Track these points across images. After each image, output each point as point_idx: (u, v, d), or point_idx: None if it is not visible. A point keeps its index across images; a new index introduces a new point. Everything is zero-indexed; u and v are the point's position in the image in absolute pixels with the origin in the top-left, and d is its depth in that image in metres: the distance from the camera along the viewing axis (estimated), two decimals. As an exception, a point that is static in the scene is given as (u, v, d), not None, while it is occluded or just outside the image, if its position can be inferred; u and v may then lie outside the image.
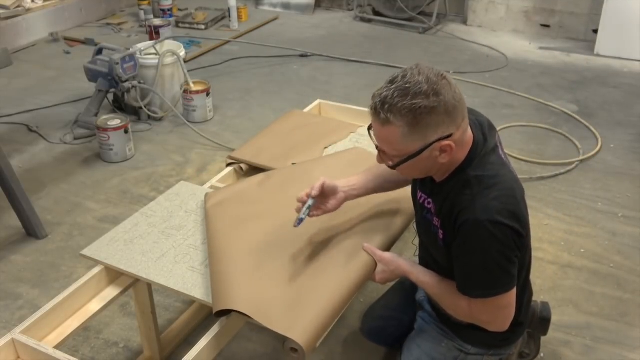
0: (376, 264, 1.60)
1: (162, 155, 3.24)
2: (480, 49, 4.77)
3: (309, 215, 1.57)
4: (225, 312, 1.47)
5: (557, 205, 2.79)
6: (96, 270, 1.68)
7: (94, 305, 1.64)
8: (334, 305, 1.47)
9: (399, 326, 1.81)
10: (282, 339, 1.39)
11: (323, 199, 1.60)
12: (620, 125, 3.52)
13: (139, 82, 3.46)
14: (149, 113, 3.56)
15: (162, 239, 1.76)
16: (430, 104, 1.25)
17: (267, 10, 5.74)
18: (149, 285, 1.75)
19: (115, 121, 3.16)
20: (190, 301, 2.13)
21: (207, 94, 3.57)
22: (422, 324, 1.70)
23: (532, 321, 1.86)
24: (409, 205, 1.71)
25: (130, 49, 3.55)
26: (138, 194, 2.91)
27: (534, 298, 1.77)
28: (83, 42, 4.88)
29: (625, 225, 2.66)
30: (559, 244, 2.54)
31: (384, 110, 1.28)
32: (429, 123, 1.27)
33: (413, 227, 1.70)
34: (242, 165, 2.18)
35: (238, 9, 5.24)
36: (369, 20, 5.43)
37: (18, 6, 4.79)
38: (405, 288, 1.87)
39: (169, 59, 3.57)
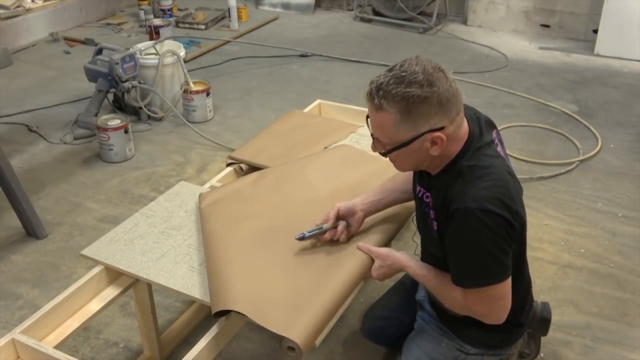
0: (373, 261, 1.60)
1: (162, 155, 3.24)
2: (480, 49, 4.77)
3: (320, 237, 1.62)
4: (224, 313, 1.47)
5: (557, 205, 2.79)
6: (96, 270, 1.68)
7: (94, 305, 1.64)
8: (331, 304, 1.47)
9: (399, 326, 1.81)
10: (280, 338, 1.39)
11: (343, 220, 1.65)
12: (620, 125, 3.52)
13: (139, 82, 3.46)
14: (149, 113, 3.56)
15: (162, 239, 1.76)
16: (424, 94, 1.28)
17: (267, 10, 5.74)
18: (149, 285, 1.75)
19: (115, 121, 3.16)
20: (190, 301, 2.13)
21: (207, 94, 3.57)
22: (422, 323, 1.70)
23: (532, 321, 1.85)
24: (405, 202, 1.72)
25: (130, 49, 3.55)
26: (138, 194, 2.91)
27: (534, 298, 1.77)
28: (83, 42, 4.88)
29: (625, 225, 2.66)
30: (559, 244, 2.54)
31: (378, 95, 1.31)
32: (421, 112, 1.30)
33: (413, 222, 1.70)
34: (242, 165, 2.18)
35: (238, 9, 5.24)
36: (369, 20, 5.43)
37: (18, 6, 4.79)
38: (406, 287, 1.87)
39: (169, 59, 3.57)
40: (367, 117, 1.40)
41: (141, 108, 3.51)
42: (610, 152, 3.24)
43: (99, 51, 3.58)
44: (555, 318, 1.90)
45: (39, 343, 1.47)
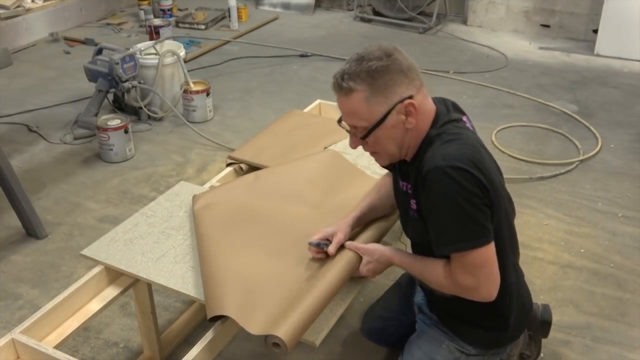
0: (360, 259, 1.60)
1: (162, 155, 3.24)
2: (480, 49, 4.78)
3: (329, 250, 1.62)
4: (219, 317, 1.47)
5: (557, 205, 2.79)
6: (96, 270, 1.68)
7: (94, 305, 1.65)
8: (316, 302, 1.46)
9: (398, 326, 1.81)
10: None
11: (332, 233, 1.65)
12: (620, 125, 3.52)
13: (139, 82, 3.46)
14: (149, 113, 3.56)
15: (162, 239, 1.77)
16: (384, 63, 1.35)
17: (267, 10, 5.74)
18: (149, 285, 1.75)
19: (115, 121, 3.16)
20: (190, 301, 2.13)
21: (207, 94, 3.57)
22: (422, 326, 1.70)
23: (532, 324, 1.85)
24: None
25: (130, 49, 3.55)
26: (138, 194, 2.91)
27: (534, 300, 1.76)
28: (83, 42, 4.88)
29: (625, 225, 2.66)
30: (559, 244, 2.54)
31: (344, 80, 1.37)
32: (387, 82, 1.35)
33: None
34: (242, 165, 2.18)
35: (238, 9, 5.24)
36: (369, 20, 5.43)
37: (18, 6, 4.79)
38: (402, 288, 1.87)
39: (169, 59, 3.57)
40: (339, 120, 1.45)
41: (141, 108, 3.51)
42: (610, 152, 3.24)
43: (99, 51, 3.58)
44: (555, 318, 1.90)
45: (39, 343, 1.47)
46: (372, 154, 1.48)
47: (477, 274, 1.37)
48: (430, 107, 1.44)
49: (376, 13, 5.43)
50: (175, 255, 1.69)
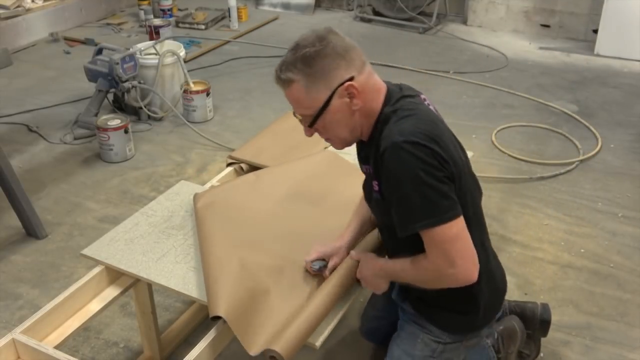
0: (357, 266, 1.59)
1: (162, 155, 3.24)
2: (480, 49, 4.77)
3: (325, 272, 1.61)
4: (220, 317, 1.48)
5: (557, 205, 2.79)
6: (96, 270, 1.68)
7: (94, 305, 1.65)
8: (314, 316, 1.46)
9: (389, 325, 1.79)
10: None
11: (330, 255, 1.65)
12: (620, 125, 3.52)
13: (139, 82, 3.46)
14: (149, 113, 3.56)
15: (163, 238, 1.77)
16: (318, 48, 1.33)
17: (267, 10, 5.74)
18: (149, 285, 1.75)
19: (115, 121, 3.16)
20: (190, 301, 2.13)
21: (207, 94, 3.57)
22: (401, 322, 1.67)
23: (532, 323, 1.86)
24: None
25: (130, 49, 3.55)
26: (138, 194, 2.91)
27: (533, 299, 1.77)
28: (83, 42, 4.88)
29: (625, 225, 2.66)
30: (559, 244, 2.54)
31: (282, 71, 1.37)
32: (323, 67, 1.33)
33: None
34: (242, 165, 2.18)
35: (238, 9, 5.24)
36: (369, 20, 5.43)
37: (18, 6, 4.79)
38: None
39: (169, 59, 3.57)
40: (294, 112, 1.45)
41: (141, 108, 3.51)
42: (610, 152, 3.24)
43: (99, 51, 3.58)
44: (555, 318, 1.91)
45: (39, 343, 1.47)
46: (326, 140, 1.47)
47: (451, 251, 1.32)
48: (378, 86, 1.42)
49: (376, 13, 5.43)
50: (175, 255, 1.69)
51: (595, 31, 4.63)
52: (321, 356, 1.98)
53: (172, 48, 3.65)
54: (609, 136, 3.38)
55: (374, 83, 1.41)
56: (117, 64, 3.33)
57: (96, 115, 3.39)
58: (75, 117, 3.53)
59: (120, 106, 3.61)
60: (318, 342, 1.46)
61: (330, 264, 1.60)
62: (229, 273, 1.55)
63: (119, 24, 5.32)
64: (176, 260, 1.68)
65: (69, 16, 5.21)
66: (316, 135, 2.28)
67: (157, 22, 4.90)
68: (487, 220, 2.62)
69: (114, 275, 1.70)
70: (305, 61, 1.33)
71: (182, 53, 3.66)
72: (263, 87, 4.03)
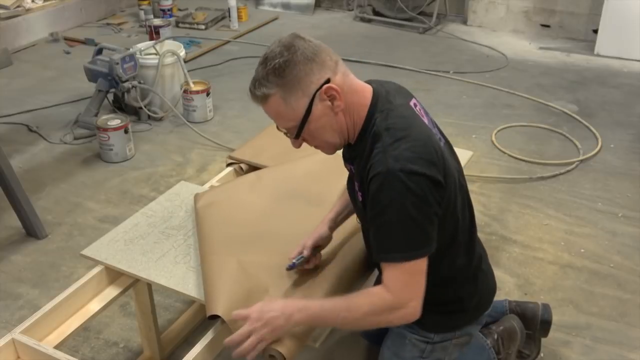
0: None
1: (162, 155, 3.24)
2: (480, 49, 4.77)
3: (304, 267, 1.58)
4: (218, 316, 1.47)
5: (557, 205, 2.79)
6: (96, 270, 1.68)
7: (94, 305, 1.64)
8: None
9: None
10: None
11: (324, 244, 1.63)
12: (620, 125, 3.52)
13: (139, 82, 3.46)
14: (149, 113, 3.56)
15: (162, 239, 1.77)
16: (286, 58, 1.29)
17: (267, 10, 5.74)
18: (149, 285, 1.75)
19: (115, 121, 3.16)
20: (190, 301, 2.13)
21: (207, 94, 3.57)
22: None
23: (532, 323, 1.86)
24: None
25: (130, 49, 3.55)
26: (138, 194, 2.91)
27: (534, 299, 1.76)
28: (83, 42, 4.88)
29: (625, 225, 2.66)
30: (559, 244, 2.54)
31: (256, 88, 1.33)
32: (296, 75, 1.29)
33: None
34: (242, 165, 2.18)
35: (238, 9, 5.24)
36: (369, 20, 5.43)
37: (18, 6, 4.79)
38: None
39: (169, 59, 3.57)
40: (277, 126, 1.40)
41: (141, 108, 3.51)
42: (610, 152, 3.24)
43: (99, 51, 3.58)
44: (555, 318, 1.90)
45: (39, 343, 1.47)
46: (316, 147, 1.44)
47: (412, 286, 1.31)
48: (356, 83, 1.38)
49: (376, 13, 5.43)
50: (175, 255, 1.69)
51: (595, 31, 4.63)
52: (320, 356, 1.98)
53: (172, 48, 3.65)
54: (609, 136, 3.38)
55: (351, 81, 1.37)
56: (117, 64, 3.33)
57: (96, 115, 3.39)
58: (75, 117, 3.53)
59: (120, 106, 3.61)
60: (317, 343, 1.45)
61: (317, 256, 1.59)
62: (227, 272, 1.55)
63: (119, 24, 5.32)
64: (176, 260, 1.68)
65: (69, 16, 5.21)
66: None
67: (157, 22, 4.90)
68: (487, 220, 2.65)
69: (113, 275, 1.70)
70: (276, 73, 1.29)
71: (182, 53, 3.66)
72: (263, 87, 4.03)
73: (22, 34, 4.80)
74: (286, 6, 5.74)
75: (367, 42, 4.96)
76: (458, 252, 1.48)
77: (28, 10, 4.85)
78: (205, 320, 2.09)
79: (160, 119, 3.60)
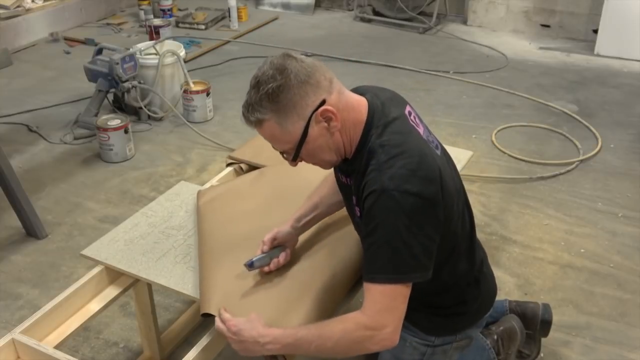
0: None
1: (162, 155, 3.25)
2: (480, 49, 4.77)
3: (267, 267, 1.54)
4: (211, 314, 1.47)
5: (557, 205, 2.79)
6: (96, 270, 1.68)
7: (94, 305, 1.64)
8: (316, 312, 1.45)
9: None
10: None
11: (280, 245, 1.59)
12: (620, 125, 3.52)
13: (139, 82, 3.46)
14: (149, 113, 3.56)
15: (163, 239, 1.77)
16: (279, 83, 1.26)
17: (267, 10, 5.74)
18: (149, 285, 1.75)
19: (115, 121, 3.16)
20: (190, 301, 2.13)
21: (207, 94, 3.57)
22: None
23: (533, 323, 1.85)
24: None
25: (130, 49, 3.55)
26: (138, 194, 2.91)
27: (534, 299, 1.76)
28: (83, 42, 4.88)
29: (625, 225, 2.66)
30: (559, 244, 2.54)
31: (249, 113, 1.31)
32: (291, 99, 1.27)
33: None
34: (242, 165, 2.18)
35: (238, 9, 5.24)
36: (369, 20, 5.43)
37: (18, 6, 4.79)
38: None
39: (169, 59, 3.57)
40: (273, 146, 1.37)
41: (141, 108, 3.51)
42: (610, 152, 3.24)
43: (99, 51, 3.58)
44: (555, 318, 1.90)
45: (39, 343, 1.47)
46: (313, 164, 1.42)
47: (390, 311, 1.28)
48: (354, 100, 1.35)
49: (376, 13, 5.43)
50: (175, 255, 1.69)
51: (595, 31, 4.63)
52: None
53: (172, 48, 3.65)
54: (609, 136, 3.38)
55: (347, 98, 1.34)
56: (117, 64, 3.33)
57: (96, 115, 3.39)
58: (75, 117, 3.53)
59: (120, 106, 3.61)
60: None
61: (282, 256, 1.55)
62: (223, 270, 1.55)
63: (119, 24, 5.32)
64: (176, 260, 1.68)
65: (69, 16, 5.21)
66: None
67: (157, 22, 4.90)
68: (487, 220, 2.65)
69: (113, 275, 1.70)
70: (270, 98, 1.26)
71: (182, 53, 3.66)
72: (263, 87, 4.03)
73: (22, 34, 4.80)
74: (286, 6, 5.74)
75: (367, 42, 4.96)
76: (459, 258, 1.48)
77: (28, 10, 4.85)
78: (205, 320, 2.09)
79: (160, 119, 3.60)
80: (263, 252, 1.55)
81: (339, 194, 1.59)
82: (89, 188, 2.96)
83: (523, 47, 4.80)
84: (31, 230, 2.59)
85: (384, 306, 1.28)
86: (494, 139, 3.33)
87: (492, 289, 1.64)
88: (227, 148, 3.25)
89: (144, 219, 1.85)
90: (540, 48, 4.76)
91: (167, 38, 4.13)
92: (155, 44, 3.69)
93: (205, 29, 5.22)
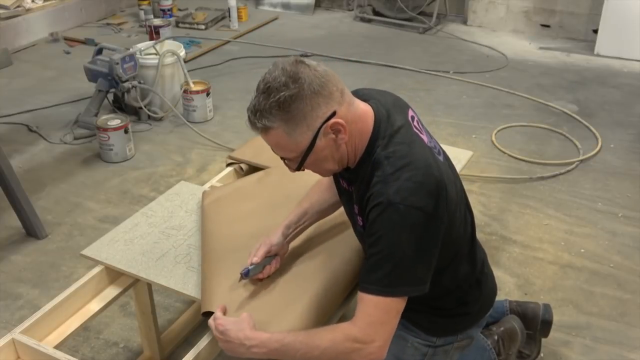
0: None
1: (162, 155, 3.24)
2: (480, 49, 4.78)
3: (258, 276, 1.53)
4: (211, 313, 1.47)
5: (557, 205, 2.79)
6: (96, 270, 1.68)
7: (94, 305, 1.64)
8: (310, 317, 1.45)
9: None
10: None
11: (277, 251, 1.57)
12: (620, 125, 3.52)
13: (139, 82, 3.46)
14: (149, 113, 3.56)
15: (162, 239, 1.77)
16: (292, 92, 1.22)
17: (267, 10, 5.74)
18: (149, 285, 1.75)
19: (115, 121, 3.16)
20: (190, 301, 2.13)
21: (207, 94, 3.57)
22: None
23: (533, 323, 1.85)
24: None
25: (130, 49, 3.55)
26: (138, 194, 2.91)
27: (534, 299, 1.77)
28: (83, 42, 4.88)
29: (625, 225, 2.66)
30: (559, 244, 2.54)
31: (257, 118, 1.26)
32: (302, 110, 1.23)
33: None
34: (242, 165, 2.18)
35: (238, 9, 5.24)
36: (369, 20, 5.43)
37: (18, 6, 4.79)
38: None
39: (169, 59, 3.57)
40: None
41: (141, 108, 3.51)
42: (610, 152, 3.24)
43: (99, 51, 3.58)
44: (555, 318, 1.90)
45: (39, 343, 1.47)
46: (313, 171, 1.39)
47: (381, 325, 1.27)
48: (362, 110, 1.32)
49: (376, 13, 5.43)
50: (175, 255, 1.69)
51: (595, 31, 4.63)
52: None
53: (172, 48, 3.65)
54: (609, 136, 3.38)
55: (355, 109, 1.31)
56: (117, 64, 3.33)
57: (96, 115, 3.39)
58: (75, 117, 3.53)
59: (120, 106, 3.61)
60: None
61: (274, 263, 1.54)
62: (225, 269, 1.55)
63: (119, 24, 5.32)
64: (176, 260, 1.68)
65: (69, 16, 5.21)
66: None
67: (157, 22, 4.90)
68: (487, 220, 2.65)
69: (113, 275, 1.70)
70: (281, 107, 1.22)
71: (182, 53, 3.66)
72: (263, 87, 4.03)
73: (22, 34, 4.80)
74: (286, 6, 5.74)
75: (367, 42, 4.96)
76: (461, 262, 1.48)
77: (28, 10, 4.85)
78: (205, 320, 2.09)
79: (160, 119, 3.60)
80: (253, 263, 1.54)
81: (329, 200, 1.58)
82: (89, 188, 2.96)
83: (523, 47, 4.80)
84: (31, 230, 2.59)
85: (376, 319, 1.27)
86: (494, 139, 3.33)
87: (493, 289, 1.64)
88: (227, 148, 3.25)
89: (144, 219, 1.85)
90: (540, 48, 4.76)
91: (167, 38, 4.13)
92: (155, 44, 3.69)
93: (205, 29, 5.22)
